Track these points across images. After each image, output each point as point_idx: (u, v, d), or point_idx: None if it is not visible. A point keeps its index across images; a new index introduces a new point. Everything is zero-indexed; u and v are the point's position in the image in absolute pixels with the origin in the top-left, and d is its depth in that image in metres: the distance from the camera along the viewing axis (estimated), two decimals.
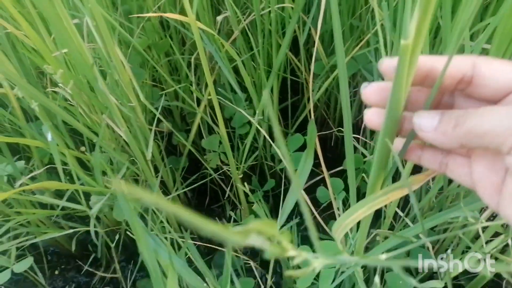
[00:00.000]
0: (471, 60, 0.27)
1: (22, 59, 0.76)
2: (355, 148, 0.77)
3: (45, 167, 0.78)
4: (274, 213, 0.93)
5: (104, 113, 0.66)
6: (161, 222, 0.69)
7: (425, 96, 0.30)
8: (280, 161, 0.82)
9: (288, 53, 0.87)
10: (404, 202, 0.80)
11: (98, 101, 0.65)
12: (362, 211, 0.35)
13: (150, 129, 0.85)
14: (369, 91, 0.31)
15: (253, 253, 0.89)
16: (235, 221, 0.81)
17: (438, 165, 0.31)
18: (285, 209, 0.59)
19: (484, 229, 0.55)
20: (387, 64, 0.29)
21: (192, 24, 0.52)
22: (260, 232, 0.18)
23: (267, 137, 0.73)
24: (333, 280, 0.57)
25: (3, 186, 0.69)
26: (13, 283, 0.87)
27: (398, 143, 0.32)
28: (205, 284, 0.55)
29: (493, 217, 0.62)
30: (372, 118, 0.31)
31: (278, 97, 0.84)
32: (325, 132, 0.93)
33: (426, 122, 0.28)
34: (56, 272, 0.92)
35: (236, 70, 0.79)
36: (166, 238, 0.64)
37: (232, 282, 0.71)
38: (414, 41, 0.24)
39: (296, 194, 0.59)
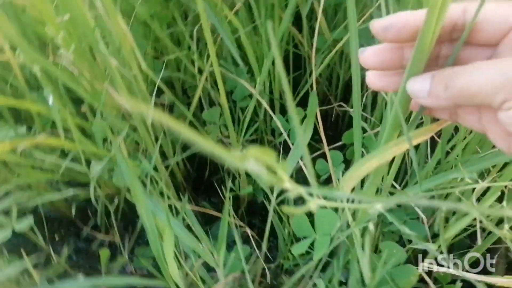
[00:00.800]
0: (461, 7, 0.27)
1: (25, 29, 0.76)
2: None
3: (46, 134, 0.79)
4: None
5: (106, 81, 0.67)
6: (160, 188, 0.70)
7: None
8: (281, 134, 0.82)
9: (291, 27, 0.87)
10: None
11: (99, 68, 0.66)
12: (375, 160, 0.35)
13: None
14: (367, 54, 0.31)
15: (251, 224, 0.91)
16: (232, 190, 0.82)
17: (448, 115, 0.32)
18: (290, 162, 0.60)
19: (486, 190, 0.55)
20: (377, 25, 0.29)
21: None
22: (258, 159, 0.19)
23: (268, 109, 0.74)
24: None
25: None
26: (15, 245, 0.89)
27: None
28: (201, 247, 0.57)
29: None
30: (374, 79, 0.32)
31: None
32: (326, 107, 0.94)
33: (419, 88, 0.28)
34: (57, 237, 0.93)
35: (238, 44, 0.79)
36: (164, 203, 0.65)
37: (228, 248, 0.73)
38: None
39: (301, 149, 0.59)
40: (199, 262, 0.62)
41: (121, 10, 0.78)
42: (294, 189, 0.21)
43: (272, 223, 0.64)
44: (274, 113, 0.74)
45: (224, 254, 0.66)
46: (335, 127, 1.04)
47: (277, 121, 0.71)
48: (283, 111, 0.92)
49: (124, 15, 0.79)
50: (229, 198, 0.62)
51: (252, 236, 0.72)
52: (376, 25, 0.29)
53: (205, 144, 0.16)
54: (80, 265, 0.86)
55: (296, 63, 0.95)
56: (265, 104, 0.72)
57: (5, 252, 0.77)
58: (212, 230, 0.91)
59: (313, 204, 0.24)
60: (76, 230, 0.91)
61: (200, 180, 1.01)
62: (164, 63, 0.94)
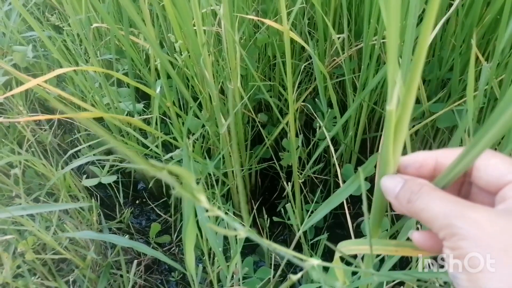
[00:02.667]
0: None
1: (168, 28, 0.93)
2: None
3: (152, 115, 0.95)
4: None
5: (206, 88, 0.78)
6: (214, 193, 0.78)
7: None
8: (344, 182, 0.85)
9: None
10: None
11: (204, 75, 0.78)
12: (366, 248, 0.37)
13: (246, 115, 0.97)
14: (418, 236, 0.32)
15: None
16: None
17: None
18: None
19: None
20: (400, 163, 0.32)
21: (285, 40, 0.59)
22: (177, 176, 0.25)
23: (334, 155, 0.77)
24: None
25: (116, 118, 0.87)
26: (105, 197, 1.07)
27: None
28: (219, 251, 0.64)
29: None
30: (420, 240, 0.32)
31: (363, 129, 0.87)
32: None
33: (389, 187, 0.31)
34: (137, 202, 1.10)
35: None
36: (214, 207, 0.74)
37: (256, 265, 0.78)
38: (400, 110, 0.27)
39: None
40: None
41: (243, 32, 0.90)
42: (211, 210, 0.27)
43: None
44: (342, 164, 0.77)
45: (246, 270, 0.72)
46: None
47: (338, 167, 0.74)
48: (359, 162, 0.93)
49: (244, 35, 0.91)
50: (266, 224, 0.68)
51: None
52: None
53: (130, 154, 0.23)
54: (142, 226, 1.01)
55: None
56: (332, 152, 0.76)
57: (94, 192, 0.94)
58: (258, 249, 0.98)
59: (241, 233, 0.29)
60: (152, 201, 1.06)
61: (267, 199, 1.08)
62: (271, 87, 1.04)
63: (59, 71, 0.62)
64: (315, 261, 0.28)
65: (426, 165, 0.31)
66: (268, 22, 0.63)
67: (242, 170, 0.96)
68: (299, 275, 0.30)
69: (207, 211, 0.25)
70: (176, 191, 0.24)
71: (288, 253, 0.26)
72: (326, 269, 0.66)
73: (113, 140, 0.23)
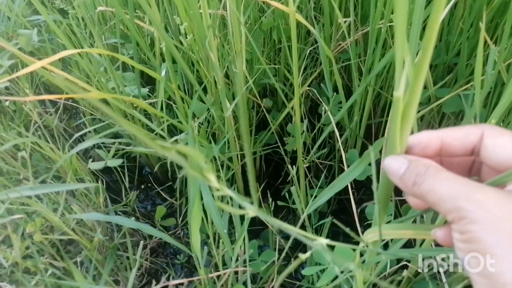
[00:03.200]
0: (480, 131, 0.29)
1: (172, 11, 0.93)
2: None
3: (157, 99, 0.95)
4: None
5: (212, 69, 0.78)
6: (220, 176, 0.79)
7: (457, 160, 0.32)
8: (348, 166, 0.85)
9: None
10: None
11: (208, 59, 0.77)
12: (410, 233, 0.36)
13: (252, 101, 0.97)
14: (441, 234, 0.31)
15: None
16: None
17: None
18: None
19: None
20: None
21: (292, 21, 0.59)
22: (186, 155, 0.25)
23: (339, 139, 0.77)
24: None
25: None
26: (110, 182, 1.08)
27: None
28: (225, 232, 0.64)
29: None
30: (443, 237, 0.31)
31: (368, 114, 0.86)
32: None
33: (394, 168, 0.30)
34: (142, 186, 1.11)
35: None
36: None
37: (260, 249, 0.79)
38: (408, 97, 0.26)
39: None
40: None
41: (249, 16, 0.90)
42: (220, 190, 0.27)
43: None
44: (347, 148, 0.77)
45: (251, 252, 0.73)
46: None
47: (343, 152, 0.74)
48: (364, 147, 0.94)
49: (249, 19, 0.91)
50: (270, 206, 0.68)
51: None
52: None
53: (137, 131, 0.23)
54: (147, 210, 1.02)
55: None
56: (337, 137, 0.76)
57: (99, 176, 0.95)
58: (263, 233, 0.98)
59: (250, 212, 0.29)
60: (158, 185, 1.07)
61: (272, 184, 1.08)
62: (276, 71, 1.04)
63: (64, 53, 0.62)
64: (324, 240, 0.29)
65: (431, 145, 0.30)
66: (274, 3, 0.63)
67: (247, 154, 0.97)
68: (308, 253, 0.30)
69: (216, 190, 0.25)
70: (185, 171, 0.25)
71: (295, 231, 0.26)
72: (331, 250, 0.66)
73: (122, 121, 0.23)
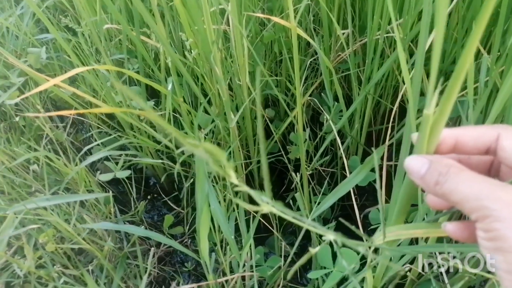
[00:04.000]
0: (496, 132, 0.30)
1: (176, 27, 0.96)
2: None
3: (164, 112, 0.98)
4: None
5: (216, 82, 0.81)
6: (225, 185, 0.81)
7: (476, 161, 0.33)
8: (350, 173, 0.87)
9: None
10: None
11: (212, 72, 0.80)
12: (420, 232, 0.38)
13: (254, 111, 0.99)
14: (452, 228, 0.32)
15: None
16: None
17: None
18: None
19: None
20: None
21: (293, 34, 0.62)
22: (209, 153, 0.28)
23: (341, 147, 0.80)
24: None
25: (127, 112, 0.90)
26: (117, 193, 1.10)
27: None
28: (232, 238, 0.66)
29: None
30: (454, 231, 0.32)
31: (368, 121, 0.89)
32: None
33: (415, 168, 0.30)
34: (149, 197, 1.13)
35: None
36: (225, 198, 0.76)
37: (265, 256, 0.81)
38: (437, 115, 0.28)
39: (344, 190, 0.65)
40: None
41: (250, 30, 0.93)
42: (240, 186, 0.29)
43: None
44: (349, 156, 0.80)
45: (258, 258, 0.75)
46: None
47: (345, 159, 0.77)
48: (366, 154, 0.96)
49: (251, 32, 0.94)
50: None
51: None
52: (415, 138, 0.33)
53: (166, 126, 0.26)
54: (154, 220, 1.04)
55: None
56: (339, 145, 0.78)
57: (107, 188, 0.97)
58: (269, 240, 1.00)
59: (265, 208, 0.31)
60: (164, 195, 1.10)
61: (275, 193, 1.10)
62: (278, 82, 1.07)
63: (76, 70, 0.65)
64: (332, 235, 0.31)
65: (445, 143, 0.31)
66: (275, 19, 0.66)
67: (251, 163, 0.99)
68: (317, 248, 0.32)
69: (236, 185, 0.27)
70: (210, 166, 0.27)
71: (308, 224, 0.28)
72: (334, 255, 0.68)
73: (167, 126, 0.26)
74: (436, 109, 0.29)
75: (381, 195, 0.40)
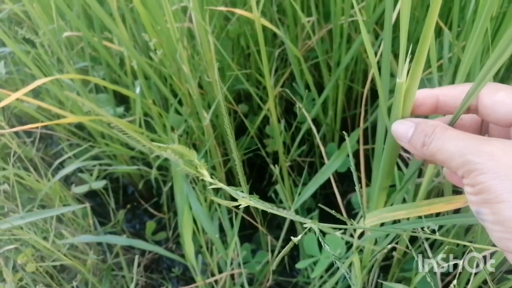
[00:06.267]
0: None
1: (135, 33, 0.94)
2: None
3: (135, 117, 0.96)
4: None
5: (185, 83, 0.80)
6: (204, 185, 0.80)
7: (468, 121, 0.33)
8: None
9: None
10: None
11: (180, 71, 0.79)
12: (403, 213, 0.38)
13: (227, 107, 0.98)
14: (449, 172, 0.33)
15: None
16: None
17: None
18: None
19: None
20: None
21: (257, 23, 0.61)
22: (179, 154, 0.27)
23: (317, 135, 0.80)
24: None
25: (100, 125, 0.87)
26: (95, 205, 1.08)
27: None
28: (217, 237, 0.65)
29: None
30: (451, 174, 0.32)
31: (342, 107, 0.90)
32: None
33: (402, 132, 0.31)
34: (128, 206, 1.11)
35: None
36: (205, 199, 0.75)
37: (253, 253, 0.80)
38: (408, 82, 0.30)
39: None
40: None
41: (215, 25, 0.92)
42: (215, 184, 0.28)
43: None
44: (324, 143, 0.80)
45: (245, 254, 0.74)
46: None
47: (322, 147, 0.77)
48: (342, 140, 0.97)
49: (216, 28, 0.93)
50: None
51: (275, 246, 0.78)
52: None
53: (133, 136, 0.25)
54: (136, 229, 1.02)
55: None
56: (315, 131, 0.78)
57: (84, 201, 0.94)
58: (256, 236, 1.00)
59: (243, 202, 0.31)
60: (142, 205, 1.07)
61: (257, 188, 1.10)
62: (248, 76, 1.06)
63: (38, 82, 0.62)
64: (312, 224, 0.31)
65: (426, 103, 0.31)
66: (238, 11, 0.65)
67: (229, 160, 0.98)
68: (299, 237, 0.32)
69: (207, 185, 0.26)
70: (180, 169, 0.26)
71: (289, 215, 0.28)
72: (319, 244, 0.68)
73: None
74: (407, 77, 0.30)
75: (358, 177, 0.40)
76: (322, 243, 0.59)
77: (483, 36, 0.38)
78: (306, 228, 0.32)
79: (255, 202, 0.27)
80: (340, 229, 0.34)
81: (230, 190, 0.26)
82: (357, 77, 0.98)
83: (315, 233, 0.74)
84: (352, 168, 0.34)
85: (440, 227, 0.64)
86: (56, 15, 0.78)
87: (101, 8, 0.68)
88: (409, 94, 0.30)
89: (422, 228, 0.38)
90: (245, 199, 0.26)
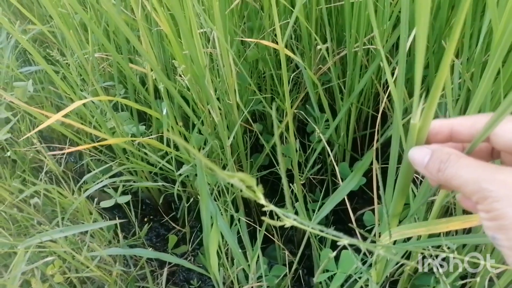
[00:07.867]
0: (488, 119, 0.32)
1: (165, 52, 0.99)
2: None
3: (158, 134, 1.00)
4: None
5: (209, 104, 0.84)
6: (226, 201, 0.84)
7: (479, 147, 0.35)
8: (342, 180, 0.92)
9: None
10: None
11: (205, 94, 0.84)
12: (423, 229, 0.41)
13: (243, 126, 1.03)
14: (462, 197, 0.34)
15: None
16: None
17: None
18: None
19: None
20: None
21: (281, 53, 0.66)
22: (242, 180, 0.31)
23: (331, 155, 0.84)
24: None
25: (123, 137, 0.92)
26: (116, 218, 1.12)
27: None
28: (239, 252, 0.69)
29: None
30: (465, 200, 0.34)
31: (354, 126, 0.94)
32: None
33: (417, 158, 0.33)
34: (144, 217, 1.15)
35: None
36: (227, 214, 0.80)
37: (270, 266, 0.84)
38: (421, 123, 0.33)
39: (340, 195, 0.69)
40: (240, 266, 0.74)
41: (235, 51, 0.97)
42: (267, 206, 0.32)
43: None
44: (337, 162, 0.84)
45: (264, 268, 0.78)
46: None
47: (335, 166, 0.81)
48: (352, 159, 1.01)
49: (239, 52, 0.98)
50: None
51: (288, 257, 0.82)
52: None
53: (203, 159, 0.29)
54: (153, 242, 1.05)
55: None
56: (328, 151, 0.83)
57: (104, 214, 0.98)
58: (268, 250, 1.03)
59: (288, 222, 0.35)
60: (160, 216, 1.11)
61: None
62: (265, 98, 1.11)
63: (77, 104, 0.67)
64: (346, 240, 0.35)
65: (441, 133, 0.33)
66: (264, 42, 0.70)
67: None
68: (334, 253, 0.36)
69: (264, 206, 0.31)
70: (242, 192, 0.30)
71: (327, 231, 0.32)
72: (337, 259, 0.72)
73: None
74: (420, 118, 0.33)
75: (383, 194, 0.44)
76: (341, 257, 0.63)
77: (495, 76, 0.41)
78: (323, 243, 0.36)
79: (300, 222, 0.31)
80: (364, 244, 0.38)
81: (279, 211, 0.31)
82: (366, 99, 1.03)
83: (331, 248, 0.78)
84: (382, 190, 0.38)
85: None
86: (91, 39, 0.83)
87: (132, 33, 0.73)
88: (422, 132, 0.33)
89: (438, 247, 0.42)
90: (292, 220, 0.31)
